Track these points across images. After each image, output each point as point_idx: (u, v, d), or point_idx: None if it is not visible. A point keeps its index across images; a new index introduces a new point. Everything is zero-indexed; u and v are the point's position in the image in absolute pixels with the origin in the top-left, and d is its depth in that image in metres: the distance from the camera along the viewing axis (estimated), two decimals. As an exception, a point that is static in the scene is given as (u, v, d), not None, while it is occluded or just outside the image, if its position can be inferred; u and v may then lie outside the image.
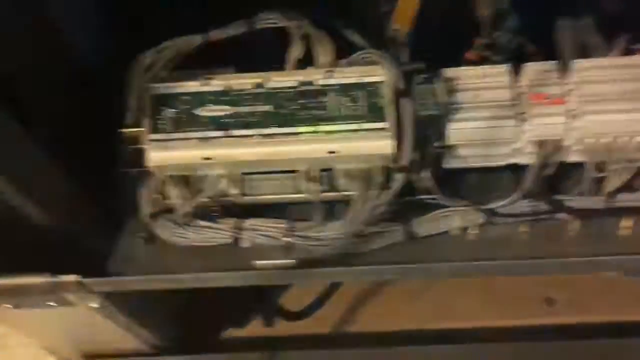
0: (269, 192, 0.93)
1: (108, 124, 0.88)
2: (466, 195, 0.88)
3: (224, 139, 0.91)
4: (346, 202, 0.86)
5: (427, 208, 0.87)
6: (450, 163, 0.88)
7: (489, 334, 1.16)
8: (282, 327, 1.17)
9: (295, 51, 0.90)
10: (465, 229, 0.86)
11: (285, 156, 0.91)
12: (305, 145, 0.91)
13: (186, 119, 0.92)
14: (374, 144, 0.89)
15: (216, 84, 0.89)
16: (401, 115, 0.84)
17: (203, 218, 0.88)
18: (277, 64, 0.89)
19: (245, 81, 0.93)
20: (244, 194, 0.93)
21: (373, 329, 1.18)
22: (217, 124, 0.91)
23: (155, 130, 0.92)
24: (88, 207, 0.89)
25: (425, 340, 1.14)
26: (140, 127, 0.91)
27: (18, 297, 0.86)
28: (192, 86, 0.93)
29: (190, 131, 0.92)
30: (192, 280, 0.88)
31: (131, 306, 0.97)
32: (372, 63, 0.87)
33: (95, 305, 0.93)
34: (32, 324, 1.03)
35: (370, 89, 0.91)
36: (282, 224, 0.89)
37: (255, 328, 1.21)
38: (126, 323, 1.02)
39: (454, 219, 0.89)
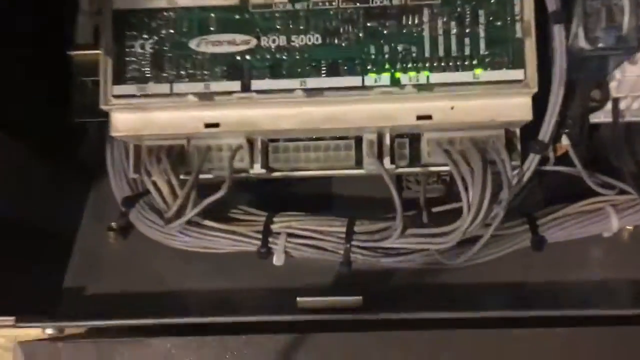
0: (308, 167, 0.59)
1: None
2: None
3: (240, 94, 0.52)
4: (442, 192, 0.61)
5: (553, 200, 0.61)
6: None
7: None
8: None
9: None
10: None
11: (343, 123, 0.54)
12: (379, 106, 0.53)
13: (174, 56, 0.54)
14: (497, 104, 0.52)
15: None
16: (552, 56, 0.50)
17: (208, 213, 0.58)
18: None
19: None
20: (271, 169, 0.59)
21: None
22: (229, 66, 0.53)
23: (121, 76, 0.53)
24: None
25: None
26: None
27: None
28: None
29: (181, 79, 0.53)
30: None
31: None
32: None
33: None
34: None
35: (493, 4, 0.52)
36: (336, 226, 0.59)
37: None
38: None
39: (610, 214, 0.59)
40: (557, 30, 0.51)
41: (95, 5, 0.59)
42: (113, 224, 0.65)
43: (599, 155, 0.63)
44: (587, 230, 0.59)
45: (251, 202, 0.63)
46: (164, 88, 0.54)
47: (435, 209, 0.60)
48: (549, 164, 0.60)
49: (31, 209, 0.63)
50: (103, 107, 0.55)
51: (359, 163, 0.58)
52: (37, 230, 0.63)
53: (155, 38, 0.55)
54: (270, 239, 0.59)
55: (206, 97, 0.54)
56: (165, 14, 0.55)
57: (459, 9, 0.53)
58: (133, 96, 0.54)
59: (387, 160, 0.57)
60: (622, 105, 0.58)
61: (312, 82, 0.54)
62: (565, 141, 0.59)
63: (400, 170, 0.58)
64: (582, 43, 0.50)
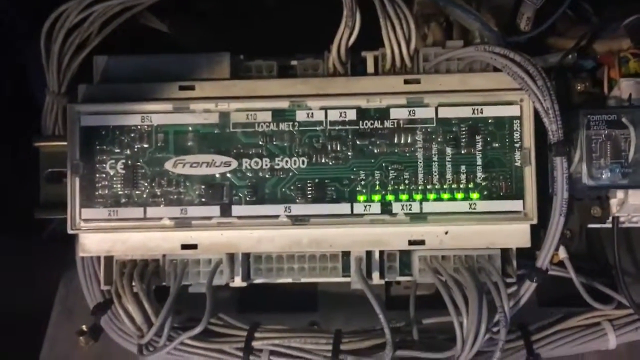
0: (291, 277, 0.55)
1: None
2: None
3: (220, 219, 0.48)
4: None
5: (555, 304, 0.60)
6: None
7: None
8: None
9: (346, 32, 0.53)
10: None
11: (330, 247, 0.50)
12: (369, 230, 0.50)
13: (148, 176, 0.49)
14: (494, 231, 0.49)
15: (202, 108, 0.51)
16: (555, 186, 0.46)
17: (185, 325, 0.54)
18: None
19: (256, 105, 0.49)
20: (251, 280, 0.55)
21: None
22: (207, 187, 0.49)
23: (90, 197, 0.49)
24: None
25: None
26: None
27: None
28: (157, 112, 0.48)
29: (155, 202, 0.49)
30: None
31: None
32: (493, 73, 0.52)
33: None
34: None
35: (490, 129, 0.48)
36: (322, 343, 0.55)
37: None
38: None
39: (607, 331, 0.56)
40: (560, 163, 0.48)
41: (64, 87, 0.56)
42: (84, 327, 0.61)
43: (598, 257, 0.60)
44: (584, 347, 0.57)
45: (229, 298, 0.60)
46: (137, 212, 0.51)
47: (425, 321, 0.57)
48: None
49: None
50: (71, 231, 0.51)
51: (346, 270, 0.55)
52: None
53: (128, 154, 0.51)
54: (251, 358, 0.56)
55: (183, 222, 0.50)
56: (139, 128, 0.51)
57: (455, 131, 0.50)
58: (103, 220, 0.50)
59: (376, 275, 0.54)
60: (622, 218, 0.55)
61: (298, 209, 0.50)
62: (562, 253, 0.56)
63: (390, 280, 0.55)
64: (586, 179, 0.47)
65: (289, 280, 0.56)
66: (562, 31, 0.61)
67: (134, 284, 0.53)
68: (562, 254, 0.56)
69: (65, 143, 0.55)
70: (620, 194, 0.52)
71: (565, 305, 0.59)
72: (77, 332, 0.62)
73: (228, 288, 0.60)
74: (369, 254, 0.54)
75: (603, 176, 0.48)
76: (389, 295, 0.65)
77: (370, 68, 0.55)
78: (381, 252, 0.54)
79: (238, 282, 0.55)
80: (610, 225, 0.56)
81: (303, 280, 0.56)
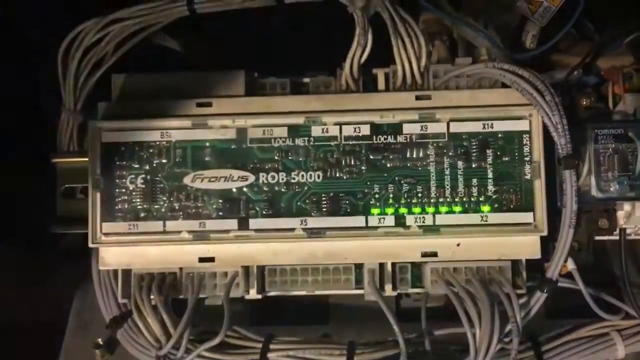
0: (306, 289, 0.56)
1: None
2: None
3: (237, 232, 0.50)
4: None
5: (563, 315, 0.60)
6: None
7: None
8: None
9: (358, 50, 0.54)
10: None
11: (345, 259, 0.52)
12: (383, 242, 0.51)
13: (167, 191, 0.50)
14: (505, 243, 0.50)
15: (219, 125, 0.52)
16: (565, 199, 0.46)
17: (201, 338, 0.54)
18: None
19: (273, 121, 0.50)
20: (265, 292, 0.57)
21: None
22: (225, 202, 0.50)
23: (111, 212, 0.50)
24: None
25: None
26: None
27: None
28: (176, 128, 0.50)
29: (174, 215, 0.50)
30: None
31: None
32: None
33: None
34: None
35: (500, 143, 0.50)
36: (336, 355, 0.56)
37: None
38: None
39: (616, 342, 0.57)
40: (569, 176, 0.49)
41: (80, 105, 0.57)
42: (99, 340, 0.62)
43: (606, 268, 0.61)
44: (593, 357, 0.57)
45: (245, 310, 0.60)
46: (157, 226, 0.52)
47: (437, 332, 0.58)
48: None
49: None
50: (92, 245, 0.52)
51: (359, 282, 0.56)
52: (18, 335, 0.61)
53: (147, 169, 0.52)
54: (266, 369, 0.57)
55: (201, 236, 0.52)
56: (158, 144, 0.52)
57: (466, 145, 0.51)
58: (123, 234, 0.52)
59: (388, 287, 0.55)
60: (630, 230, 0.56)
61: (314, 222, 0.51)
62: (570, 264, 0.57)
63: (403, 292, 0.56)
64: (594, 192, 0.48)
65: (303, 292, 0.57)
66: (565, 49, 0.62)
67: (152, 296, 0.54)
68: (571, 265, 0.57)
69: (81, 159, 0.56)
70: (627, 206, 0.53)
71: (573, 316, 0.60)
72: (94, 345, 0.62)
73: (241, 302, 0.61)
74: (381, 266, 0.55)
75: (611, 189, 0.49)
76: (399, 308, 0.66)
77: (381, 85, 0.56)
78: (393, 265, 0.55)
79: (253, 294, 0.56)
80: (617, 237, 0.58)
81: (317, 292, 0.57)
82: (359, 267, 0.55)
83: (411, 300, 0.65)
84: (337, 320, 0.65)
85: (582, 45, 0.62)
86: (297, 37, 0.66)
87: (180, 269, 0.55)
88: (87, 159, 0.54)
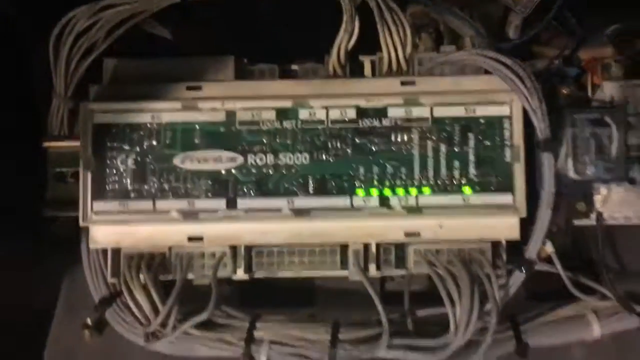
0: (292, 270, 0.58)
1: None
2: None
3: (225, 212, 0.51)
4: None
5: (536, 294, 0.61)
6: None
7: None
8: None
9: (345, 37, 0.56)
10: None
11: (330, 238, 0.53)
12: (367, 223, 0.52)
13: (157, 171, 0.52)
14: (486, 224, 0.52)
15: (209, 107, 0.53)
16: (543, 181, 0.49)
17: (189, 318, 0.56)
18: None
19: (261, 104, 0.52)
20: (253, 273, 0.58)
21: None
22: (214, 182, 0.51)
23: (101, 191, 0.51)
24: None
25: None
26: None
27: None
28: (166, 110, 0.51)
29: (164, 195, 0.51)
30: None
31: None
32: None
33: None
34: None
35: (482, 127, 0.51)
36: (321, 333, 0.57)
37: None
38: None
39: (591, 322, 0.59)
40: (547, 158, 0.51)
41: (71, 90, 0.58)
42: (88, 320, 0.63)
43: (580, 252, 0.63)
44: (569, 336, 0.59)
45: (233, 293, 0.62)
46: (147, 204, 0.53)
47: (420, 312, 0.60)
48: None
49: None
50: (83, 223, 0.53)
51: (344, 264, 0.58)
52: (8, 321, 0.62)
53: (138, 150, 0.53)
54: (253, 347, 0.58)
55: (190, 215, 0.53)
56: (148, 126, 0.53)
57: (449, 129, 0.53)
58: (114, 212, 0.53)
59: (372, 267, 0.57)
60: (606, 215, 0.58)
61: (300, 202, 0.53)
62: (549, 247, 0.59)
63: (387, 274, 0.58)
64: (571, 174, 0.50)
65: (290, 274, 0.58)
66: (547, 41, 0.64)
67: (141, 275, 0.55)
68: (549, 248, 0.59)
69: (72, 144, 0.57)
70: (603, 190, 0.55)
71: (553, 299, 0.62)
72: (82, 325, 0.64)
73: (229, 284, 0.62)
74: (366, 248, 0.57)
75: (588, 171, 0.51)
76: (384, 292, 0.68)
77: (367, 71, 0.58)
78: (377, 247, 0.57)
79: (240, 274, 0.57)
80: (595, 222, 0.59)
81: (303, 273, 0.58)
82: (344, 249, 0.57)
83: (396, 284, 0.66)
84: (323, 302, 0.66)
85: (562, 37, 0.64)
86: (286, 25, 0.67)
87: (170, 248, 0.56)
88: (77, 144, 0.56)
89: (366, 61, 0.58)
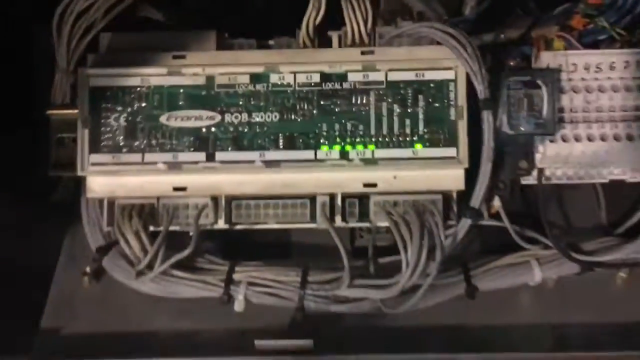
0: (268, 222, 0.65)
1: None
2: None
3: (205, 164, 0.58)
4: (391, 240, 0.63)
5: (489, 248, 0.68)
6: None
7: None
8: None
9: (313, 12, 0.63)
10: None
11: (298, 189, 0.60)
12: (330, 175, 0.60)
13: (145, 128, 0.59)
14: (434, 175, 0.59)
15: (191, 72, 0.61)
16: (483, 137, 0.59)
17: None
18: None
19: (237, 70, 0.59)
20: (232, 223, 0.65)
21: None
22: (195, 138, 0.59)
23: (97, 145, 0.59)
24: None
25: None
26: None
27: None
28: (154, 75, 0.59)
29: (152, 149, 0.59)
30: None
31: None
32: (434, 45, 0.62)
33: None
34: None
35: (430, 90, 0.58)
36: (292, 275, 0.64)
37: None
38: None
39: (533, 267, 0.65)
40: (486, 116, 0.58)
41: (72, 65, 0.65)
42: (87, 269, 0.70)
43: (529, 211, 0.70)
44: (514, 280, 0.66)
45: (215, 247, 0.69)
46: (136, 157, 0.60)
47: (381, 260, 0.67)
48: (484, 219, 0.67)
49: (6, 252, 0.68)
50: (80, 173, 0.60)
51: (313, 217, 0.65)
52: (14, 272, 0.69)
53: (129, 110, 0.61)
54: (232, 287, 0.65)
55: (175, 166, 0.60)
56: (138, 89, 0.61)
57: (402, 92, 0.60)
58: (108, 164, 0.60)
59: (338, 218, 0.64)
60: (547, 172, 0.65)
61: (271, 155, 0.60)
62: (497, 202, 0.65)
63: (352, 225, 0.65)
64: (506, 128, 0.57)
65: (265, 225, 0.65)
66: (508, 24, 0.71)
67: (132, 223, 0.63)
68: (497, 203, 0.66)
69: (73, 111, 0.64)
70: (541, 147, 0.62)
71: (504, 252, 0.69)
72: (82, 273, 0.71)
73: (212, 239, 0.69)
74: (332, 201, 0.64)
75: (521, 127, 0.58)
76: (353, 247, 0.75)
77: (335, 45, 0.65)
78: (343, 200, 0.64)
79: (221, 224, 0.64)
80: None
81: (277, 225, 0.65)
82: (313, 203, 0.64)
83: (365, 240, 0.73)
84: (297, 256, 0.73)
85: (521, 19, 0.70)
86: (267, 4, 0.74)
87: (158, 199, 0.63)
88: (77, 111, 0.63)
89: (334, 36, 0.65)
